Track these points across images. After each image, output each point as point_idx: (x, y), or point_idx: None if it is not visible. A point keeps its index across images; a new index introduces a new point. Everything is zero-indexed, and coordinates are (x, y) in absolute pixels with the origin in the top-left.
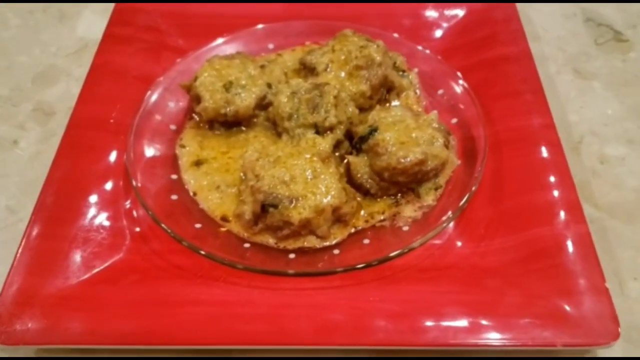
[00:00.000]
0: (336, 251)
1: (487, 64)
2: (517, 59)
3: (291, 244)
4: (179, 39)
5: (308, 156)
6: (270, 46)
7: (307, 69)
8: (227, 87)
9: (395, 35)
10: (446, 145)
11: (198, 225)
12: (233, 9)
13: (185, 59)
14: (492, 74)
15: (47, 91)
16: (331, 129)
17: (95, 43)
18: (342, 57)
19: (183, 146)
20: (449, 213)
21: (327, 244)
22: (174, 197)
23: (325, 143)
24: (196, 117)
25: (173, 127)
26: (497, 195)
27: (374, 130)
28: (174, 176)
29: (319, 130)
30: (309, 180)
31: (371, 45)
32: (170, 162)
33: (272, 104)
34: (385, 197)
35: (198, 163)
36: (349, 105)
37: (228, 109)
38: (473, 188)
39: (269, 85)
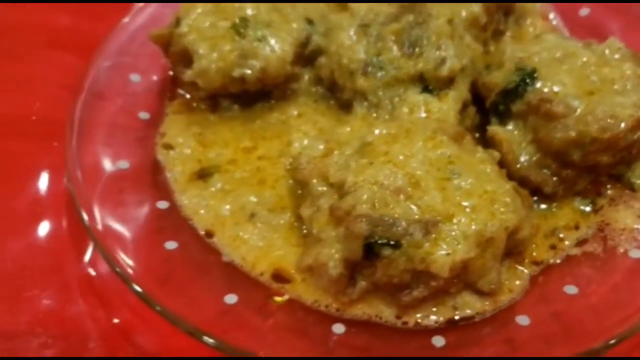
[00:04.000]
0: (522, 319)
1: None
2: None
3: (431, 317)
4: None
5: (428, 135)
6: None
7: None
8: (240, 29)
9: None
10: None
11: (231, 299)
12: None
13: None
14: None
15: None
16: (451, 80)
17: None
18: None
19: (169, 146)
20: None
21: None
22: (171, 244)
23: (448, 108)
24: (184, 93)
25: (144, 115)
26: None
27: (528, 75)
28: (163, 204)
29: (430, 85)
30: (450, 184)
31: None
32: (151, 177)
33: (325, 52)
34: (570, 197)
35: (203, 174)
36: (468, 39)
37: (247, 70)
38: None
39: (310, 21)
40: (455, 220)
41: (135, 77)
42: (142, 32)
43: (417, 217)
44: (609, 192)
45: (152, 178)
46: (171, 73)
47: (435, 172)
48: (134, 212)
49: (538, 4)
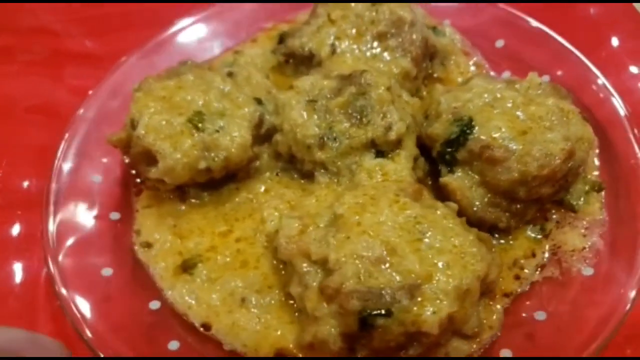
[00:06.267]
0: (505, 352)
1: None
2: None
3: None
4: (85, 39)
5: (392, 199)
6: (217, 45)
7: (296, 61)
8: (197, 122)
9: None
10: (584, 117)
11: None
12: None
13: (96, 90)
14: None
15: None
16: (400, 141)
17: None
18: (351, 27)
19: (148, 244)
20: None
21: (484, 344)
22: (173, 345)
23: (402, 167)
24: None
25: (115, 215)
26: None
27: (466, 125)
28: (155, 304)
29: (382, 149)
30: (422, 244)
31: None
32: (136, 278)
33: (280, 129)
34: (521, 228)
35: (187, 266)
36: (405, 96)
37: (213, 160)
38: None
39: (259, 101)
40: (434, 280)
41: (96, 178)
42: (94, 129)
43: (400, 283)
44: (554, 216)
45: (137, 279)
46: (133, 172)
47: (407, 235)
48: (127, 319)
49: (458, 43)
